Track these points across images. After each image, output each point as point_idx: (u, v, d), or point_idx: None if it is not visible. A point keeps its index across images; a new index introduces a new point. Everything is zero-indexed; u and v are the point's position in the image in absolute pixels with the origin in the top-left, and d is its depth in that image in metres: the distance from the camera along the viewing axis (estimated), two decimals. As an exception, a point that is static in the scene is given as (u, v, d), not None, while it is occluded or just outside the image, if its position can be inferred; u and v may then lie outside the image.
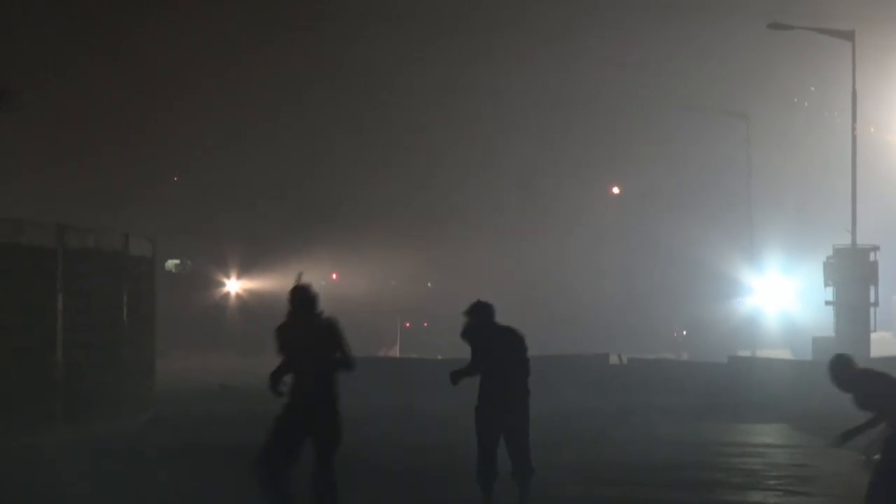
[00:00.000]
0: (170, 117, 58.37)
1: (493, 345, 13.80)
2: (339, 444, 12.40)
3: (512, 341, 13.91)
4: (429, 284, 59.03)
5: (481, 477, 13.45)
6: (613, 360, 34.45)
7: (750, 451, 20.95)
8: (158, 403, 26.55)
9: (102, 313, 24.62)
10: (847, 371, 11.94)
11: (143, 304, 26.36)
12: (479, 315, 14.08)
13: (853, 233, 36.12)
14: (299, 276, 12.64)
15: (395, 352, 50.73)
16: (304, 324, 12.52)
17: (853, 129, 36.52)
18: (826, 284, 35.73)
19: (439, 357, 38.07)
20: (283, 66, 60.98)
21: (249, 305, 56.50)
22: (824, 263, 35.83)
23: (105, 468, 17.65)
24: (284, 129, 60.32)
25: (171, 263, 54.87)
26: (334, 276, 58.17)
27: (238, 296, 58.13)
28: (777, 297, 45.61)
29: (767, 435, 23.98)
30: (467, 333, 14.03)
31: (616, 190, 60.87)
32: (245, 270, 58.13)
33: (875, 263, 34.99)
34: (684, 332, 47.07)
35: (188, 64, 59.06)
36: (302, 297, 12.57)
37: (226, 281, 58.17)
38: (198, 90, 58.34)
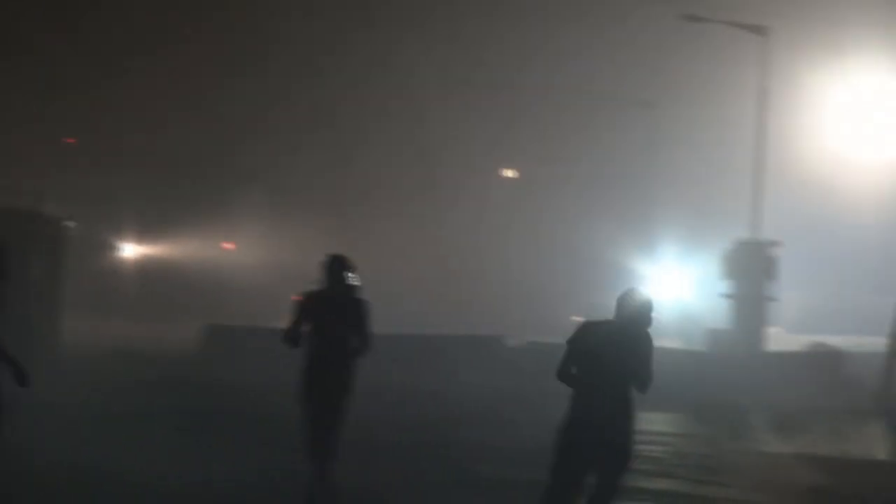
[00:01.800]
0: (78, 79, 57.12)
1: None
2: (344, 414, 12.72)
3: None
4: (320, 257, 58.78)
5: None
6: (509, 342, 34.53)
7: (652, 438, 21.11)
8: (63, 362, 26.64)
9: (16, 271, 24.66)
10: None
11: (50, 264, 26.28)
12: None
13: (755, 227, 36.56)
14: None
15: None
16: (333, 295, 12.60)
17: (760, 126, 36.99)
18: (722, 276, 36.10)
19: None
20: (205, 34, 59.94)
21: (147, 271, 56.01)
22: (723, 255, 36.17)
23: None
24: (201, 99, 59.30)
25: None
26: (228, 245, 57.75)
27: (136, 261, 57.44)
28: (672, 287, 46.12)
29: (667, 423, 24.25)
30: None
31: (511, 173, 61.21)
32: (143, 236, 57.48)
33: (775, 258, 35.47)
34: (580, 318, 47.32)
35: (106, 29, 58.12)
36: (337, 267, 12.69)
37: (123, 245, 57.49)
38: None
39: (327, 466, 12.69)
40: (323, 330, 12.56)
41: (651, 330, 10.89)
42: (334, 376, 12.68)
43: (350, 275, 12.69)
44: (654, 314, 10.89)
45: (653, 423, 23.88)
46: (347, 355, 12.66)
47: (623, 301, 10.80)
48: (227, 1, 62.07)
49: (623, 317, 10.73)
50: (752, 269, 35.12)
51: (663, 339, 43.40)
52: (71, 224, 29.67)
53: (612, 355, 10.60)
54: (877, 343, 31.50)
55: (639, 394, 10.83)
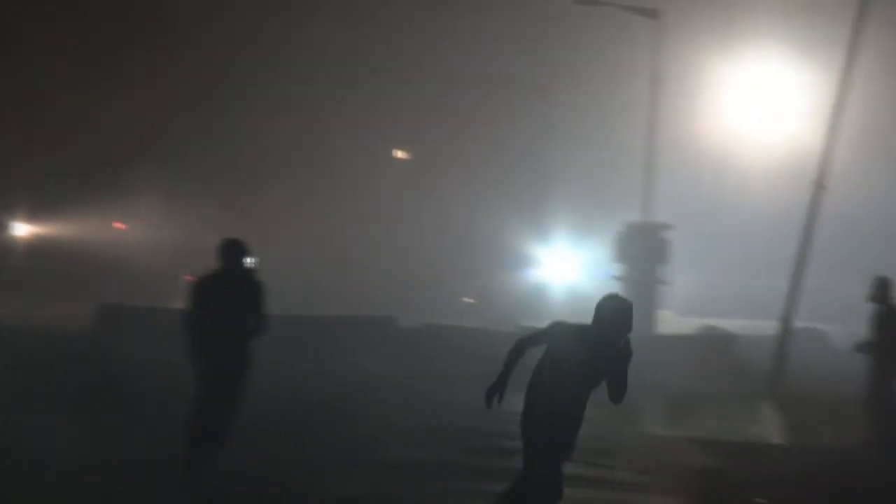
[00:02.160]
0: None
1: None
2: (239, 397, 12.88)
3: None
4: (212, 239, 58.55)
5: None
6: (403, 324, 34.51)
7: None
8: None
9: None
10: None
11: None
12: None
13: (646, 211, 36.77)
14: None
15: (179, 303, 50.22)
16: (230, 276, 12.67)
17: (652, 110, 37.25)
18: (614, 259, 36.29)
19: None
20: (105, 12, 58.97)
21: (38, 251, 55.38)
22: (615, 238, 36.35)
23: None
24: (98, 77, 58.40)
25: None
26: (119, 225, 57.31)
27: (26, 240, 56.75)
28: (565, 270, 46.51)
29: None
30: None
31: (404, 155, 61.37)
32: (35, 215, 56.78)
33: (666, 241, 35.70)
34: (472, 301, 47.74)
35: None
36: (233, 249, 12.77)
37: (13, 224, 56.78)
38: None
39: (214, 452, 12.61)
40: (218, 312, 12.52)
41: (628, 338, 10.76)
42: (230, 359, 12.69)
43: (246, 257, 12.77)
44: (631, 322, 10.79)
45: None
46: (243, 337, 12.68)
47: (603, 307, 10.67)
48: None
49: (601, 323, 10.61)
50: (643, 252, 35.31)
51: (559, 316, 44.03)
52: None
53: (581, 361, 10.55)
54: (767, 326, 31.83)
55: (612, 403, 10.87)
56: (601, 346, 10.54)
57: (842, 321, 40.21)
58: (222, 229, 58.48)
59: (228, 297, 12.60)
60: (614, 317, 10.58)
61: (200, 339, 12.64)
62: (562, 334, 10.71)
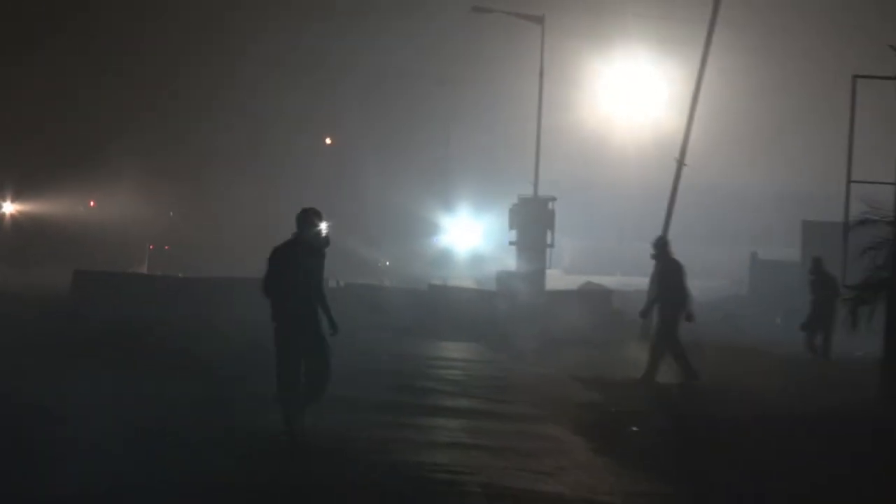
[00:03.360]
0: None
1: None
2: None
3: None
4: (171, 214, 58.00)
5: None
6: (332, 283, 34.47)
7: (453, 364, 21.39)
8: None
9: None
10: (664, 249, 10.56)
11: None
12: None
13: (535, 185, 36.98)
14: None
15: (144, 269, 49.80)
16: (300, 245, 11.98)
17: (538, 110, 37.44)
18: (510, 227, 36.54)
19: (180, 275, 37.61)
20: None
21: (25, 229, 54.59)
22: (510, 209, 36.63)
23: None
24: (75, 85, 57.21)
25: None
26: (92, 203, 56.66)
27: (12, 216, 55.92)
28: (467, 236, 46.57)
29: (464, 351, 24.55)
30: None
31: (329, 141, 61.06)
32: (19, 195, 55.90)
33: (552, 211, 35.97)
34: (387, 263, 47.71)
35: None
36: (302, 218, 12.09)
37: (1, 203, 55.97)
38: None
39: (308, 404, 12.19)
40: (291, 277, 11.93)
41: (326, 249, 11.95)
42: (302, 319, 11.99)
43: (317, 226, 12.05)
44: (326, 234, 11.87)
45: (452, 352, 24.19)
46: (310, 299, 12.04)
47: (303, 221, 11.84)
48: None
49: (304, 234, 11.77)
50: (532, 220, 35.59)
51: (461, 280, 43.98)
52: None
53: (299, 269, 11.70)
54: (640, 282, 32.18)
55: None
56: (308, 254, 11.82)
57: (698, 276, 40.76)
58: (183, 207, 58.09)
59: (300, 263, 11.92)
60: (313, 230, 11.92)
61: (278, 303, 11.96)
62: (282, 255, 11.85)
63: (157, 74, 58.36)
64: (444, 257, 47.22)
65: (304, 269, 11.90)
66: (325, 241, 12.24)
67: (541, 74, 37.04)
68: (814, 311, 23.12)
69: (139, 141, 54.17)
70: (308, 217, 12.01)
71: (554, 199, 36.28)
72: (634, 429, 14.46)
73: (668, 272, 19.50)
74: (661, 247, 19.73)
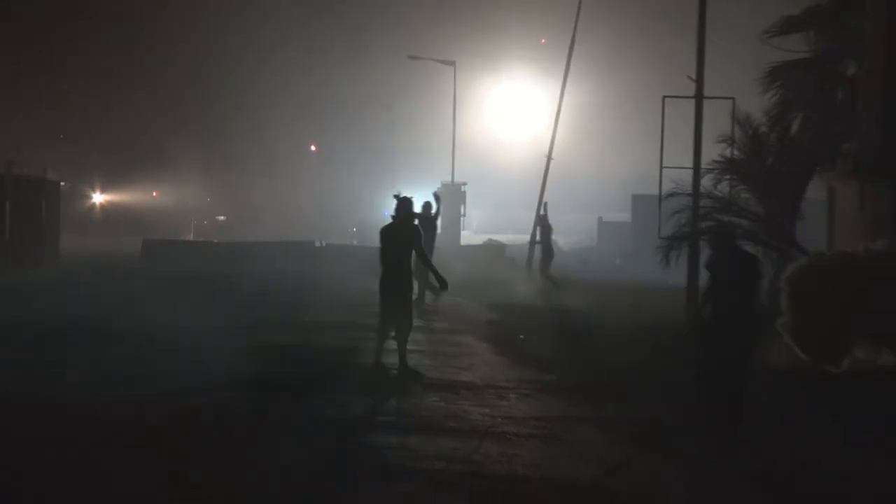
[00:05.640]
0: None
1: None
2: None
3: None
4: (208, 199, 56.91)
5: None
6: (318, 244, 34.39)
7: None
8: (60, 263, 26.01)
9: (30, 211, 24.24)
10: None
11: (51, 208, 26.03)
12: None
13: (452, 174, 36.96)
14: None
15: (190, 237, 48.97)
16: (399, 224, 10.90)
17: (453, 122, 37.32)
18: (435, 202, 36.46)
19: (215, 241, 37.07)
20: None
21: (110, 212, 53.50)
22: (434, 192, 36.46)
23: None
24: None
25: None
26: (155, 193, 55.57)
27: (101, 204, 54.79)
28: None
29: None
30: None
31: (314, 147, 60.46)
32: (104, 187, 54.65)
33: (464, 192, 36.08)
34: (355, 229, 47.40)
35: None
36: (400, 204, 10.97)
37: (92, 194, 54.76)
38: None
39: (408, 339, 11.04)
40: (394, 248, 10.77)
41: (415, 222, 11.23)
42: (400, 282, 10.67)
43: (411, 209, 10.95)
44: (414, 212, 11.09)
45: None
46: (408, 265, 10.89)
47: (400, 204, 10.86)
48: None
49: (400, 215, 10.79)
50: (451, 197, 35.64)
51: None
52: (63, 184, 29.71)
53: (400, 239, 10.70)
54: (523, 238, 32.37)
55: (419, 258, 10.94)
56: (403, 229, 10.79)
57: (564, 234, 41.28)
58: (217, 192, 56.86)
59: (400, 237, 10.82)
60: (406, 210, 10.84)
61: (387, 268, 10.76)
62: (388, 230, 10.82)
63: (197, 91, 56.09)
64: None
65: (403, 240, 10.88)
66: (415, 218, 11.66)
67: (454, 99, 37.08)
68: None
69: (185, 144, 52.92)
70: (406, 204, 10.97)
71: (465, 183, 36.40)
72: (522, 337, 14.47)
73: (545, 229, 20.34)
74: (544, 214, 20.45)
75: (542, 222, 22.46)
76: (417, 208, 13.50)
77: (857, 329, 10.94)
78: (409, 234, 10.91)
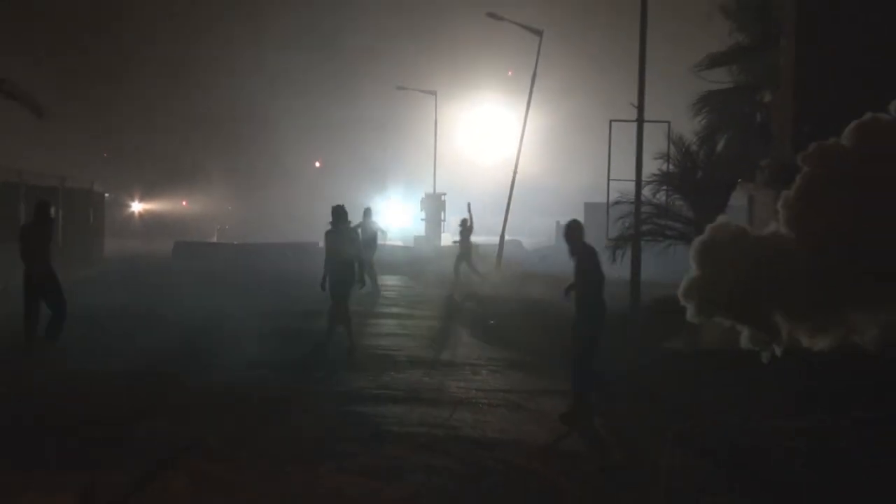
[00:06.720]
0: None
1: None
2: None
3: None
4: (229, 207, 56.27)
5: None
6: (321, 245, 34.00)
7: (390, 288, 21.09)
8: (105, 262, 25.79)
9: (80, 218, 24.01)
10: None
11: (97, 216, 25.78)
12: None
13: (434, 186, 36.87)
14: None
15: (214, 240, 48.07)
16: (340, 231, 10.80)
17: (434, 142, 36.97)
18: (421, 209, 36.53)
19: (234, 242, 36.64)
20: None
21: (146, 219, 52.79)
22: (420, 200, 36.57)
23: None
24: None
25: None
26: (184, 202, 54.95)
27: (139, 212, 54.03)
28: (398, 217, 45.80)
29: (397, 281, 24.36)
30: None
31: (318, 164, 59.96)
32: (143, 197, 53.84)
33: (444, 201, 36.04)
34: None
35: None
36: (335, 213, 10.80)
37: (131, 203, 54.05)
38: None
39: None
40: (337, 251, 10.76)
41: (354, 229, 11.30)
42: (344, 279, 10.80)
43: (345, 217, 10.90)
44: (350, 222, 11.14)
45: (389, 281, 24.07)
46: (351, 265, 10.85)
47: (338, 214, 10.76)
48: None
49: (338, 222, 10.76)
50: (432, 206, 35.64)
51: (394, 241, 43.68)
52: (107, 195, 29.67)
53: (342, 244, 10.71)
54: (494, 239, 32.14)
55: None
56: (344, 234, 10.81)
57: (529, 234, 41.31)
58: (233, 204, 55.50)
59: (342, 241, 10.75)
60: (342, 220, 10.84)
61: (329, 269, 10.71)
62: (334, 235, 10.75)
63: (222, 113, 54.35)
64: (382, 230, 46.66)
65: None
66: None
67: (435, 123, 37.06)
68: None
69: (212, 159, 52.34)
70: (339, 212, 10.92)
71: (445, 193, 36.37)
72: (492, 322, 14.40)
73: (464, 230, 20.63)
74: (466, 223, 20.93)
75: (464, 224, 22.48)
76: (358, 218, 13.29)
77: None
78: (348, 236, 10.94)
